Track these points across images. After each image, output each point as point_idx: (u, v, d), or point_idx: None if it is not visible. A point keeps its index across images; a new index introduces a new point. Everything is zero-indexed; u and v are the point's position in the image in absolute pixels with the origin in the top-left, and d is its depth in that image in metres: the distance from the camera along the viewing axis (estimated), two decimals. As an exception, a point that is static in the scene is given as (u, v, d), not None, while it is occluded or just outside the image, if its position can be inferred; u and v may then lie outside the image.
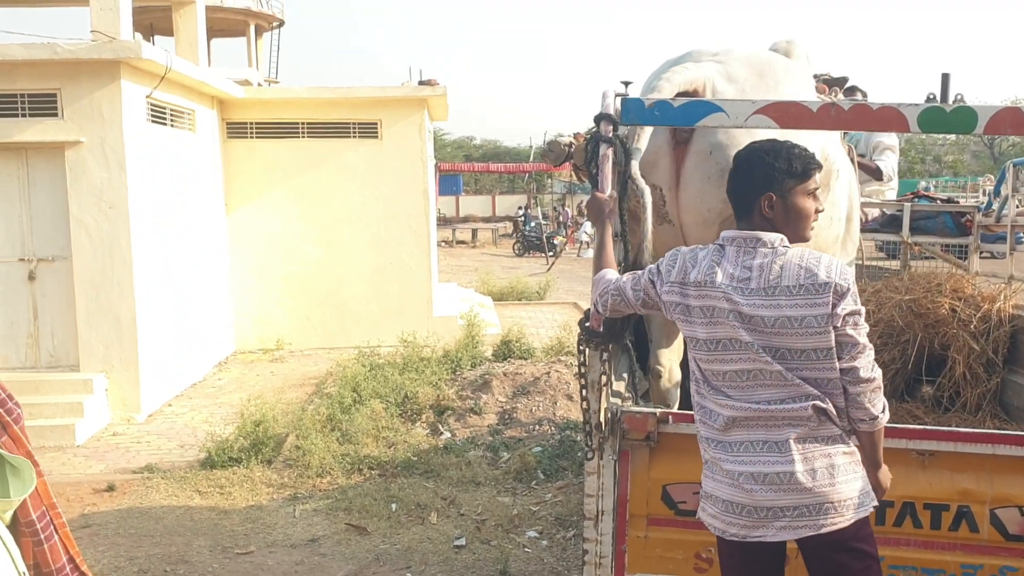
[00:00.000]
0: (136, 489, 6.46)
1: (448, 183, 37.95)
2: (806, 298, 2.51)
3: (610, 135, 3.03)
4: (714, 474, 2.64)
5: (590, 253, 26.11)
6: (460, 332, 10.26)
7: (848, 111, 2.99)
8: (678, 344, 4.02)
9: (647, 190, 3.27)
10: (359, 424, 7.37)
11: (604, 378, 3.03)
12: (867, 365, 2.58)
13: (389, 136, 11.56)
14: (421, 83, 11.78)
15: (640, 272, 2.80)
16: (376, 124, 11.56)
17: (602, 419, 3.02)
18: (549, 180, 41.91)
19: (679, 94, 3.46)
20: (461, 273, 20.67)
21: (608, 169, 3.03)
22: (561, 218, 33.91)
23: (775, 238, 2.59)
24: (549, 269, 22.06)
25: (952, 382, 5.10)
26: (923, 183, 31.20)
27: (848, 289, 2.54)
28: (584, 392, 3.04)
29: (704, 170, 3.57)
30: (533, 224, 28.45)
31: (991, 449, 2.91)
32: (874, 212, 6.32)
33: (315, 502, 6.13)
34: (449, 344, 9.78)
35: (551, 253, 25.30)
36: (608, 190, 3.05)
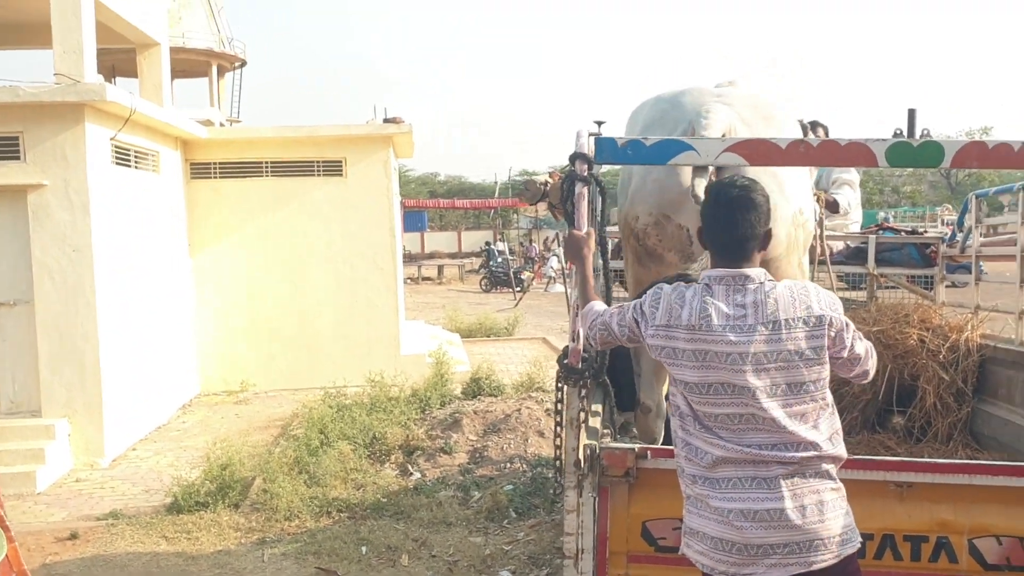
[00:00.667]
0: (100, 536, 6.30)
1: (413, 219, 37.99)
2: (804, 331, 2.55)
3: (585, 174, 3.04)
4: (700, 510, 2.62)
5: (558, 288, 26.36)
6: (428, 370, 10.18)
7: (817, 148, 3.03)
8: (666, 378, 4.03)
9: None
10: (327, 466, 7.26)
11: (582, 415, 3.01)
12: (873, 360, 2.74)
13: (354, 174, 11.56)
14: (386, 120, 11.80)
15: (626, 307, 2.79)
16: (341, 162, 11.55)
17: (581, 456, 3.00)
18: (515, 215, 42.14)
19: None
20: (428, 310, 20.60)
21: (584, 207, 3.04)
22: (530, 253, 34.05)
23: (760, 273, 2.62)
24: (517, 305, 22.05)
25: (923, 412, 5.14)
26: (882, 214, 31.80)
27: (842, 320, 2.62)
28: (559, 429, 3.02)
29: None
30: (500, 260, 28.51)
31: (968, 479, 2.92)
32: (839, 245, 6.41)
33: (284, 546, 6.02)
34: (417, 383, 9.70)
35: (519, 288, 25.32)
36: (584, 227, 3.06)
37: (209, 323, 11.38)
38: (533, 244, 37.93)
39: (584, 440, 3.03)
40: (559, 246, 24.99)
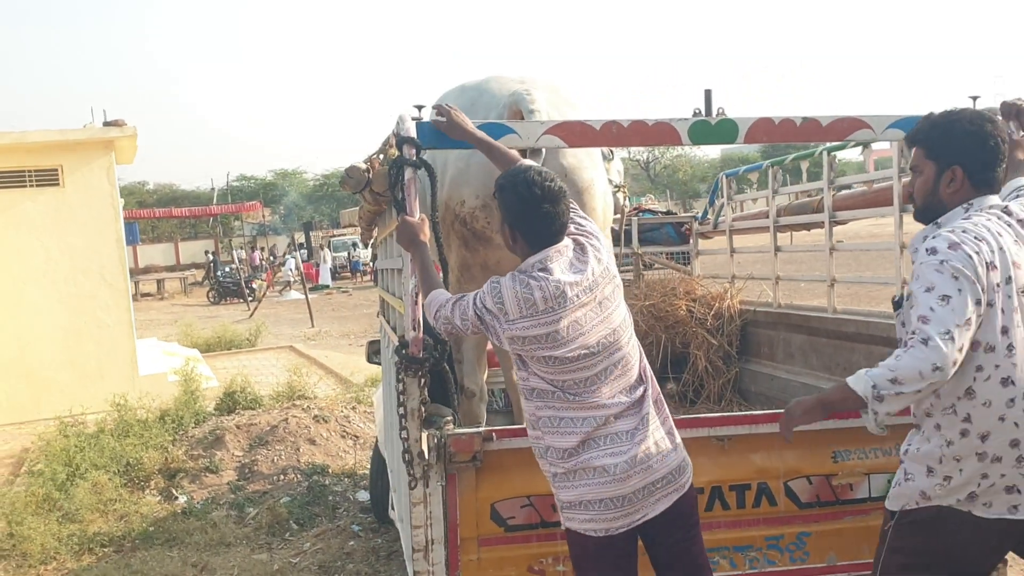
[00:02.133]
0: None
1: (124, 232, 35.39)
2: (616, 268, 2.87)
3: (414, 158, 2.97)
4: (577, 481, 2.68)
5: (294, 294, 25.53)
6: (173, 389, 9.57)
7: (627, 127, 3.17)
8: (485, 362, 4.08)
9: None
10: (81, 499, 6.62)
11: (424, 405, 2.96)
12: None
13: (73, 183, 10.59)
14: (106, 124, 10.89)
15: (465, 301, 2.75)
16: (56, 170, 10.54)
17: (425, 446, 2.95)
18: (238, 222, 40.35)
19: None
20: (156, 327, 19.30)
21: (414, 192, 2.98)
22: (254, 261, 32.84)
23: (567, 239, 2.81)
24: (252, 314, 21.21)
25: (696, 377, 5.55)
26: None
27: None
28: (404, 421, 2.96)
29: None
30: (228, 269, 27.25)
31: (778, 427, 3.18)
32: (602, 228, 6.75)
33: (43, 592, 5.43)
34: (164, 403, 9.07)
35: (251, 298, 24.35)
36: (417, 213, 2.99)
37: (-97, 357, 9.98)
38: (256, 251, 36.60)
39: (427, 429, 2.99)
40: (295, 250, 24.48)
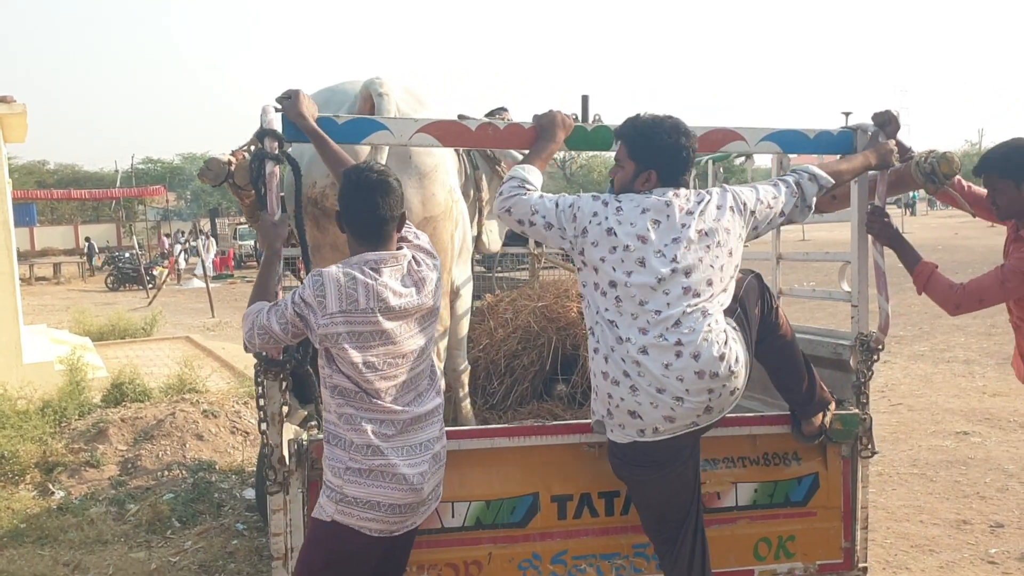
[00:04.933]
0: None
1: (20, 212, 33.96)
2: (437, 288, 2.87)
3: (276, 152, 2.86)
4: (371, 481, 2.69)
5: (195, 283, 24.94)
6: (59, 379, 9.21)
7: (504, 130, 3.13)
8: None
9: None
10: (-54, 495, 6.31)
11: (285, 409, 2.87)
12: None
13: (-46, 162, 10.10)
14: (-8, 100, 10.38)
15: (282, 304, 2.70)
16: (-64, 148, 10.04)
17: (286, 452, 2.86)
18: (141, 207, 39.14)
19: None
20: (48, 313, 18.59)
21: (275, 188, 2.87)
22: (161, 248, 32.02)
23: (404, 251, 2.82)
24: (151, 303, 20.61)
25: (584, 379, 5.53)
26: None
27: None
28: (264, 426, 2.86)
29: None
30: (128, 255, 26.45)
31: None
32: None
33: None
34: (48, 393, 8.72)
35: (151, 286, 23.68)
36: (278, 211, 2.89)
37: None
38: (163, 237, 35.69)
39: (289, 435, 2.90)
40: (195, 240, 23.87)
